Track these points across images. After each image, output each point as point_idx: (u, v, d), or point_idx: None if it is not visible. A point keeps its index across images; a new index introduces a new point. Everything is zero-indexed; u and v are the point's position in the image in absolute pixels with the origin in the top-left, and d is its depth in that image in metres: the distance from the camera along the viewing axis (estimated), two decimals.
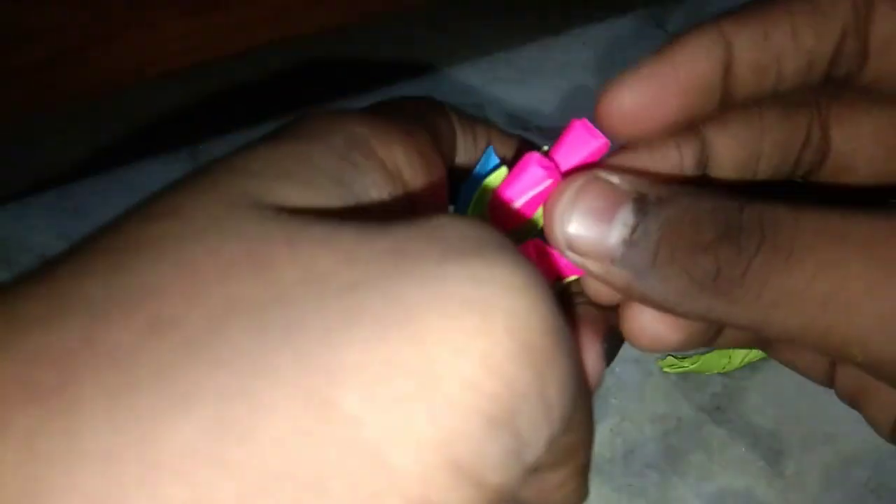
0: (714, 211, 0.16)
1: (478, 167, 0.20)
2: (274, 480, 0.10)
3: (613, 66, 0.53)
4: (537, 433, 0.12)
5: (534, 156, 0.18)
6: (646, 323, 0.17)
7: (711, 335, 0.19)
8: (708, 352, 0.34)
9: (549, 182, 0.18)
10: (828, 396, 0.34)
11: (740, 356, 0.34)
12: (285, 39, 0.38)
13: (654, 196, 0.16)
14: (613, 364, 0.36)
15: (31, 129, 0.46)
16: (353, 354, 0.11)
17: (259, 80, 0.50)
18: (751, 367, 0.34)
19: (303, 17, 0.38)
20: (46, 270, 0.12)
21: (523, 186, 0.19)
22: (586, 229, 0.16)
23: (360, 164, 0.15)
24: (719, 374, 0.34)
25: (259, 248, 0.12)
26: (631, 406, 0.33)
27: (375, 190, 0.15)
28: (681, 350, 0.21)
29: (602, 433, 0.32)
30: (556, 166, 0.18)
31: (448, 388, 0.11)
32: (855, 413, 0.33)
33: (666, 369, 0.34)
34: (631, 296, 0.17)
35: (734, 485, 0.30)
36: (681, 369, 0.34)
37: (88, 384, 0.10)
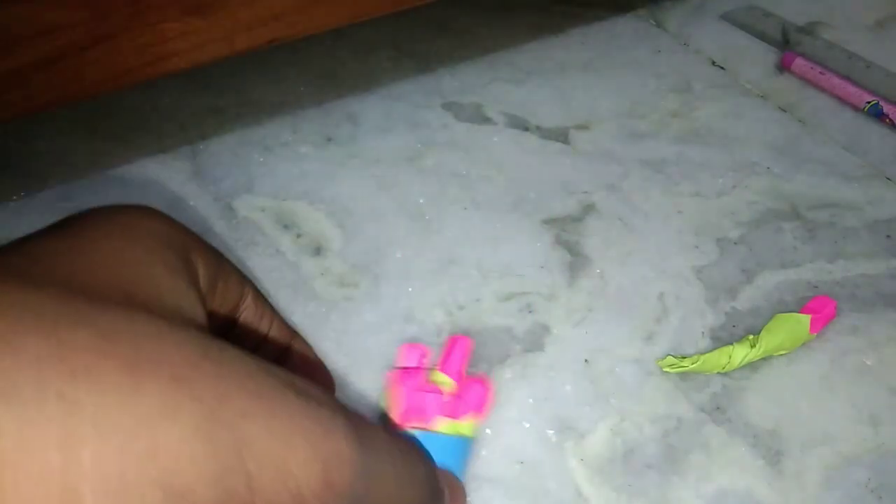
0: None
1: None
2: None
3: (613, 66, 0.52)
4: None
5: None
6: None
7: None
8: (708, 352, 0.34)
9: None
10: (828, 396, 0.35)
11: (740, 356, 0.34)
12: (285, 39, 0.38)
13: None
14: (613, 364, 0.36)
15: (32, 129, 0.46)
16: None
17: (259, 81, 0.50)
18: (751, 367, 0.34)
19: (303, 17, 0.38)
20: None
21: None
22: None
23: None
24: (719, 374, 0.34)
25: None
26: (631, 406, 0.33)
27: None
28: None
29: (602, 433, 0.32)
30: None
31: None
32: (855, 413, 0.33)
33: (666, 369, 0.34)
34: None
35: (734, 485, 0.30)
36: (681, 369, 0.34)
37: None
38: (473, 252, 0.39)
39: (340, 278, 0.38)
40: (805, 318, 0.35)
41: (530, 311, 0.36)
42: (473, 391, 0.28)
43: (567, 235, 0.40)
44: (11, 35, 0.31)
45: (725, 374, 0.34)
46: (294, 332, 0.27)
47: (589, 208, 0.42)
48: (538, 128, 0.47)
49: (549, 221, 0.41)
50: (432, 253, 0.39)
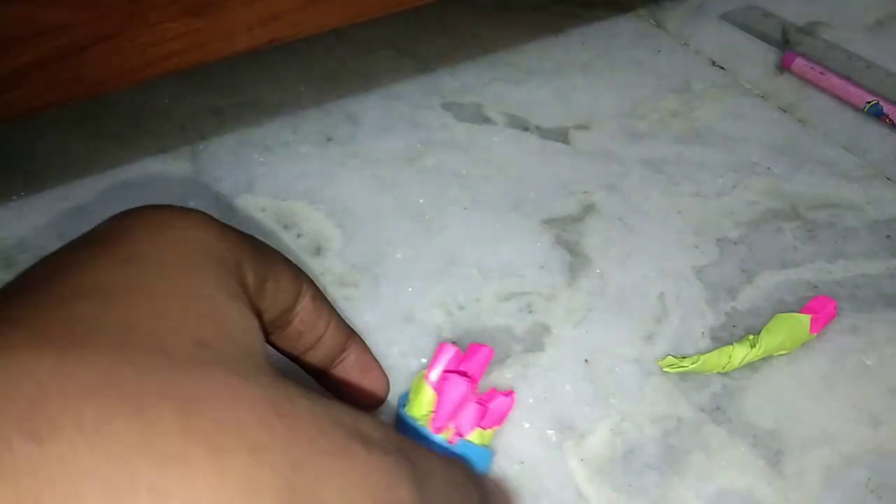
0: None
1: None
2: None
3: (613, 66, 0.52)
4: None
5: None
6: None
7: None
8: (708, 352, 0.34)
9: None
10: (828, 396, 0.35)
11: (740, 356, 0.34)
12: (285, 39, 0.38)
13: None
14: (613, 364, 0.36)
15: (32, 129, 0.46)
16: None
17: (259, 81, 0.50)
18: (751, 367, 0.34)
19: (303, 17, 0.38)
20: None
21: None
22: None
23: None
24: (719, 374, 0.34)
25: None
26: (631, 406, 0.33)
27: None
28: None
29: (602, 433, 0.32)
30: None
31: None
32: (855, 413, 0.33)
33: (666, 369, 0.34)
34: None
35: (734, 485, 0.30)
36: (681, 369, 0.34)
37: None
38: (473, 252, 0.39)
39: (340, 278, 0.38)
40: (805, 318, 0.35)
41: (530, 311, 0.36)
42: (500, 403, 0.28)
43: (567, 235, 0.40)
44: (11, 35, 0.31)
45: (725, 374, 0.34)
46: (351, 332, 0.27)
47: (589, 208, 0.42)
48: (538, 128, 0.47)
49: (549, 221, 0.41)
50: (432, 253, 0.39)
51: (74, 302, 0.16)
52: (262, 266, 0.21)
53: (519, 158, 0.45)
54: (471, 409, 0.27)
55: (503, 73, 0.51)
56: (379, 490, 0.17)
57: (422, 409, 0.27)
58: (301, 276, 0.24)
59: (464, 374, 0.28)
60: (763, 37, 0.56)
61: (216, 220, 0.21)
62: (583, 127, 0.47)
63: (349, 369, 0.27)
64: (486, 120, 0.48)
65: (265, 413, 0.16)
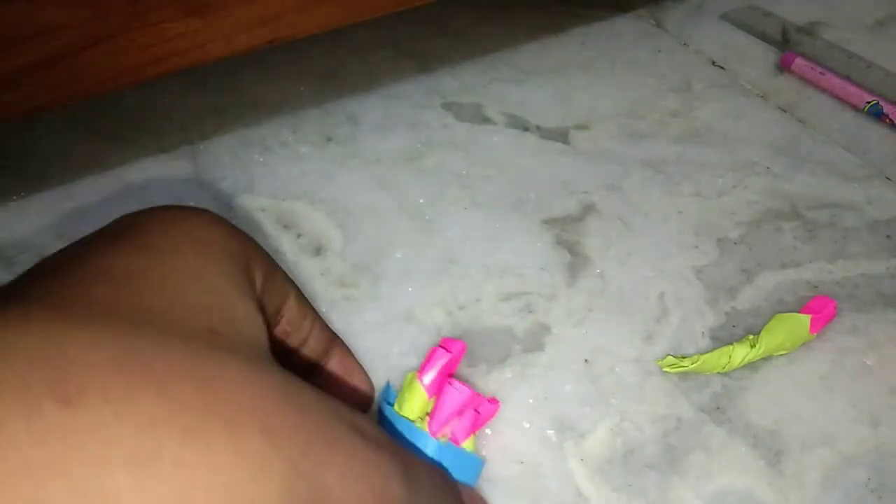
0: None
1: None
2: None
3: (613, 66, 0.52)
4: None
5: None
6: None
7: None
8: (708, 352, 0.34)
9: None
10: (828, 396, 0.35)
11: (740, 356, 0.34)
12: (285, 39, 0.38)
13: None
14: (613, 364, 0.36)
15: (32, 129, 0.46)
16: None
17: (259, 81, 0.50)
18: (751, 367, 0.34)
19: (302, 17, 0.38)
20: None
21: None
22: None
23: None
24: (719, 374, 0.34)
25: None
26: (631, 406, 0.33)
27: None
28: None
29: (602, 433, 0.32)
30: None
31: None
32: (855, 413, 0.33)
33: (666, 369, 0.34)
34: None
35: (734, 485, 0.30)
36: (681, 369, 0.34)
37: None
38: (473, 252, 0.39)
39: (340, 278, 0.38)
40: (805, 318, 0.35)
41: (530, 311, 0.36)
42: (487, 409, 0.29)
43: (567, 235, 0.40)
44: (11, 35, 0.31)
45: (725, 374, 0.34)
46: (334, 336, 0.27)
47: (589, 208, 0.42)
48: (538, 128, 0.47)
49: (549, 221, 0.41)
50: (432, 253, 0.39)
51: (92, 284, 0.17)
52: (266, 266, 0.22)
53: (519, 158, 0.45)
54: (468, 416, 0.28)
55: (503, 73, 0.51)
56: (375, 482, 0.17)
57: (415, 411, 0.27)
58: (289, 279, 0.24)
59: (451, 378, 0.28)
60: (763, 37, 0.56)
61: (225, 219, 0.21)
62: (583, 127, 0.47)
63: (333, 372, 0.27)
64: (486, 120, 0.48)
65: (276, 399, 0.16)
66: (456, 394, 0.27)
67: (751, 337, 0.34)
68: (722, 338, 0.36)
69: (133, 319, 0.16)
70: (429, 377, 0.28)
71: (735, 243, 0.40)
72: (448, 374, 0.28)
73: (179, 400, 0.15)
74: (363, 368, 0.28)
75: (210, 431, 0.15)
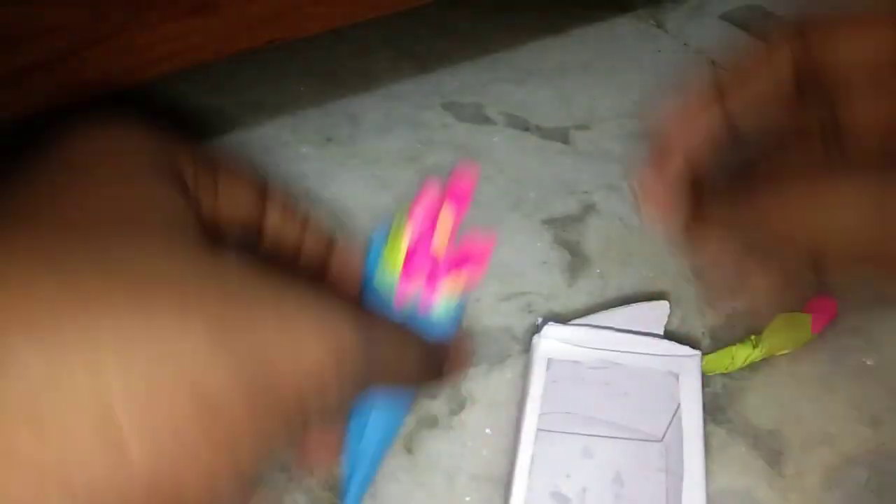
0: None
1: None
2: None
3: (613, 67, 0.52)
4: None
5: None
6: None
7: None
8: (708, 352, 0.34)
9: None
10: (828, 396, 0.35)
11: (743, 356, 0.34)
12: (285, 39, 0.38)
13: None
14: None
15: (32, 130, 0.46)
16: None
17: (259, 81, 0.50)
18: (751, 367, 0.34)
19: (302, 17, 0.38)
20: None
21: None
22: None
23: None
24: (720, 374, 0.34)
25: None
26: None
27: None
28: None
29: None
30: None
31: None
32: (855, 413, 0.33)
33: None
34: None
35: (734, 485, 0.30)
36: None
37: None
38: None
39: None
40: (806, 318, 0.35)
41: (530, 311, 0.36)
42: (477, 250, 0.26)
43: (567, 235, 0.40)
44: (11, 35, 0.31)
45: (726, 374, 0.34)
46: (332, 240, 0.27)
47: (589, 208, 0.42)
48: (538, 128, 0.47)
49: (549, 221, 0.41)
50: None
51: (22, 203, 0.18)
52: (207, 164, 0.22)
53: (519, 158, 0.45)
54: (442, 265, 0.25)
55: (503, 73, 0.51)
56: (322, 331, 0.18)
57: (396, 263, 0.25)
58: (264, 182, 0.24)
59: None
60: (763, 37, 0.56)
61: (155, 126, 0.22)
62: (583, 127, 0.47)
63: (339, 271, 0.27)
64: (486, 120, 0.48)
65: (193, 269, 0.17)
66: (424, 260, 0.25)
67: (753, 337, 0.34)
68: (722, 338, 0.36)
69: (38, 223, 0.17)
70: (412, 227, 0.26)
71: None
72: (460, 206, 0.26)
73: (80, 273, 0.15)
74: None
75: (116, 297, 0.15)
